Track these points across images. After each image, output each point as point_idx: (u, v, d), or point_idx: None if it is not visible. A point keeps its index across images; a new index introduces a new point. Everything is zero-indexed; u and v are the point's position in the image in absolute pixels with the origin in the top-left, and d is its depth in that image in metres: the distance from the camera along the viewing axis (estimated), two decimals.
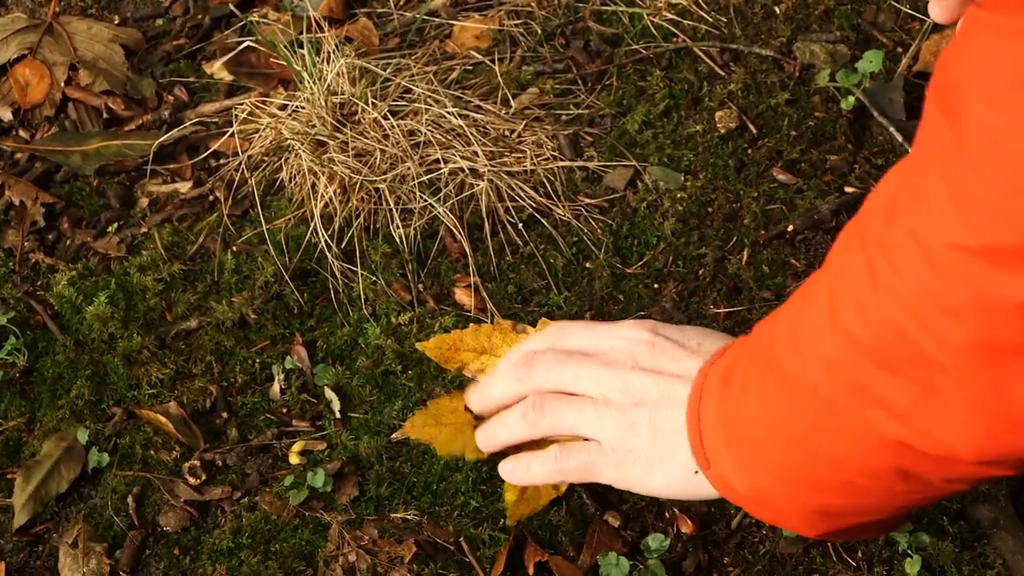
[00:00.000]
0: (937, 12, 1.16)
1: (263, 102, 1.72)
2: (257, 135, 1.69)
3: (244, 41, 1.78)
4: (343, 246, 1.59)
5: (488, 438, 1.37)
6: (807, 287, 1.06)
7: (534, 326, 1.44)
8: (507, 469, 1.35)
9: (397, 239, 1.59)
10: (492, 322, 1.51)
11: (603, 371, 1.27)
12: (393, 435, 1.45)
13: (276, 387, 1.51)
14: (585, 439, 1.28)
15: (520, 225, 1.59)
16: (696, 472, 1.18)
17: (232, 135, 1.69)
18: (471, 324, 1.47)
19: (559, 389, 1.30)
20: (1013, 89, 0.82)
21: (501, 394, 1.36)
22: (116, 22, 1.94)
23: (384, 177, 1.60)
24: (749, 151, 1.65)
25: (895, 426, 0.95)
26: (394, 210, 1.59)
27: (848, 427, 0.99)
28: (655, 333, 1.30)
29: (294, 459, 1.45)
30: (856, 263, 0.97)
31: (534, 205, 1.61)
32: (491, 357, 1.45)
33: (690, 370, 1.23)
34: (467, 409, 1.40)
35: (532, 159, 1.63)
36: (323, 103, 1.64)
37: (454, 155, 1.62)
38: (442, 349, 1.45)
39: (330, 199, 1.60)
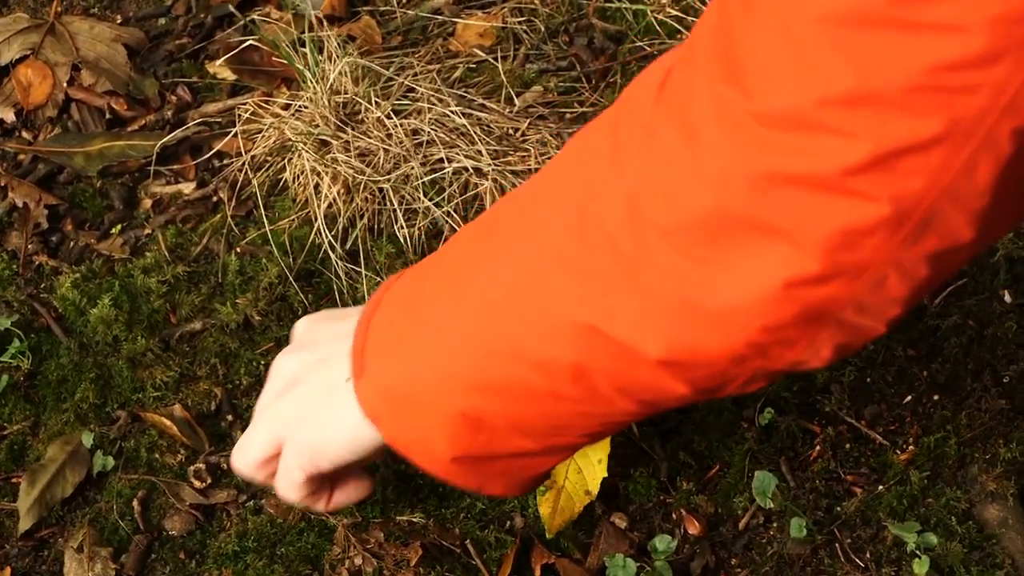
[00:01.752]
0: None
1: (266, 102, 1.72)
2: (260, 135, 1.68)
3: (246, 40, 1.77)
4: (347, 247, 1.59)
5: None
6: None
7: None
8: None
9: (401, 239, 1.58)
10: None
11: (271, 385, 1.21)
12: None
13: None
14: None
15: None
16: (348, 380, 1.09)
17: (235, 135, 1.68)
18: None
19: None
20: None
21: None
22: (118, 22, 1.94)
23: (388, 177, 1.59)
24: None
25: (590, 308, 0.93)
26: (398, 210, 1.59)
27: (543, 305, 0.96)
28: (310, 320, 1.24)
29: None
30: (603, 142, 0.95)
31: None
32: None
33: (345, 331, 1.13)
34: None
35: (536, 158, 1.63)
36: (326, 102, 1.64)
37: (458, 154, 1.61)
38: None
39: (334, 199, 1.60)
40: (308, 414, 1.15)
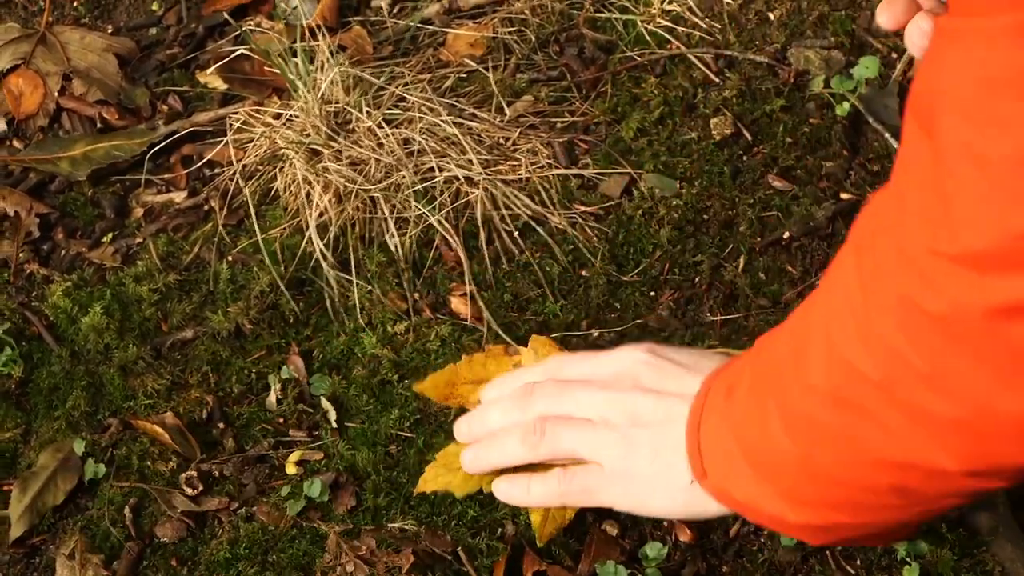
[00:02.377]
0: (884, 18, 1.16)
1: (257, 111, 1.72)
2: (252, 144, 1.69)
3: (238, 50, 1.78)
4: (338, 255, 1.59)
5: (476, 459, 1.34)
6: (806, 306, 1.06)
7: (526, 343, 1.43)
8: (503, 489, 1.32)
9: (392, 248, 1.58)
10: (487, 331, 1.51)
11: (602, 394, 1.27)
12: (415, 490, 1.41)
13: (272, 397, 1.51)
14: (585, 462, 1.28)
15: (516, 233, 1.59)
16: (693, 483, 1.18)
17: (227, 144, 1.69)
18: (463, 356, 1.45)
19: (559, 415, 1.29)
20: (978, 96, 0.82)
21: (498, 424, 1.34)
22: (110, 31, 1.94)
23: (379, 186, 1.60)
24: (744, 158, 1.65)
25: (887, 445, 0.96)
26: (389, 219, 1.59)
27: (845, 448, 1.00)
28: (653, 354, 1.28)
29: (291, 469, 1.45)
30: (850, 279, 0.97)
31: (529, 213, 1.60)
32: None
33: (690, 388, 1.22)
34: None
35: (527, 167, 1.63)
36: (317, 112, 1.64)
37: (449, 163, 1.62)
38: (439, 387, 1.43)
39: (325, 208, 1.60)
40: (631, 468, 1.24)
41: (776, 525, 1.14)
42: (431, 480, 1.38)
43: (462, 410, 1.41)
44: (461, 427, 1.37)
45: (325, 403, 1.49)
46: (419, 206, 1.59)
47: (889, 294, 0.92)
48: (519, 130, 1.68)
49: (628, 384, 1.26)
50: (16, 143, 1.81)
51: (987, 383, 0.87)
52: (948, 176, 0.85)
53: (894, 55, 1.73)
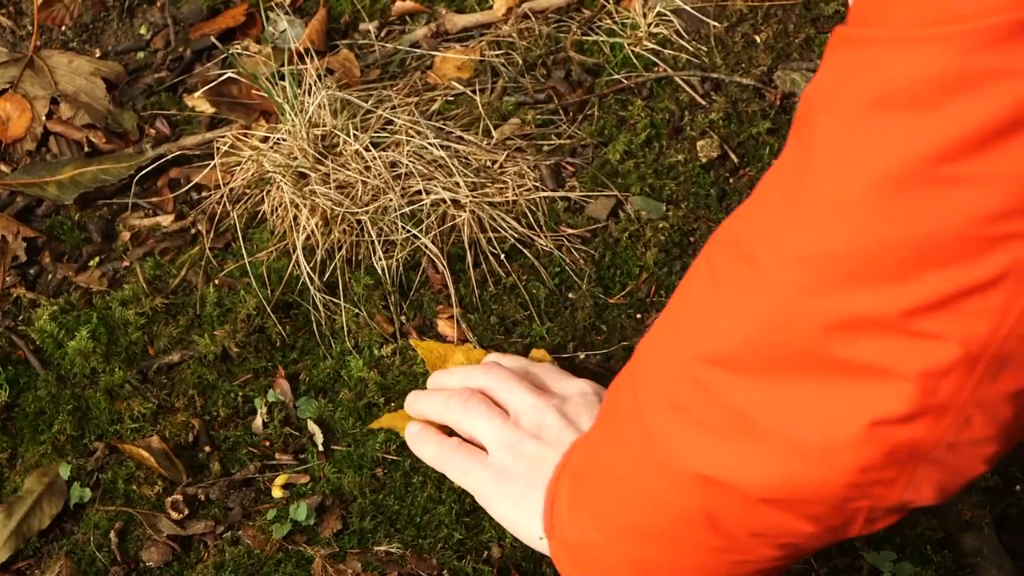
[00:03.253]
0: None
1: (245, 135, 1.72)
2: (239, 167, 1.69)
3: (225, 73, 1.78)
4: (325, 278, 1.59)
5: (411, 404, 1.44)
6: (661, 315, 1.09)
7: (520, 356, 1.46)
8: (411, 432, 1.41)
9: (379, 271, 1.58)
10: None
11: (532, 398, 1.34)
12: (371, 425, 1.48)
13: (259, 420, 1.51)
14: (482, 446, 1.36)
15: (502, 256, 1.59)
16: (540, 533, 1.25)
17: (214, 168, 1.69)
18: (466, 343, 1.51)
19: (488, 395, 1.38)
20: (849, 93, 0.83)
21: (446, 383, 1.45)
22: (97, 55, 1.94)
23: (366, 209, 1.60)
24: (731, 180, 1.66)
25: (702, 456, 0.96)
26: (376, 242, 1.59)
27: (663, 460, 1.00)
28: (597, 395, 1.36)
29: (277, 492, 1.45)
30: (702, 279, 0.99)
31: (516, 236, 1.61)
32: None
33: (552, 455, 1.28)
34: None
35: (514, 190, 1.63)
36: (305, 135, 1.64)
37: (436, 186, 1.62)
38: (433, 354, 1.50)
39: (312, 231, 1.60)
40: (507, 472, 1.31)
41: (602, 572, 1.16)
42: (387, 420, 1.46)
43: None
44: (412, 401, 1.46)
45: (311, 426, 1.49)
46: (406, 229, 1.59)
47: (734, 300, 0.93)
48: (506, 153, 1.68)
49: (555, 403, 1.33)
50: (3, 167, 1.81)
51: (807, 398, 0.88)
52: (808, 172, 0.86)
53: None
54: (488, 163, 1.67)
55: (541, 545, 1.25)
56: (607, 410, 1.15)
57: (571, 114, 1.74)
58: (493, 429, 1.34)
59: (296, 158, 1.63)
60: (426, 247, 1.59)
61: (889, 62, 0.80)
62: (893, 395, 0.84)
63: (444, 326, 1.55)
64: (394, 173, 1.63)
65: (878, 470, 0.89)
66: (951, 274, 0.80)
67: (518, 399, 1.35)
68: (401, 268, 1.60)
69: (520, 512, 1.27)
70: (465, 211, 1.60)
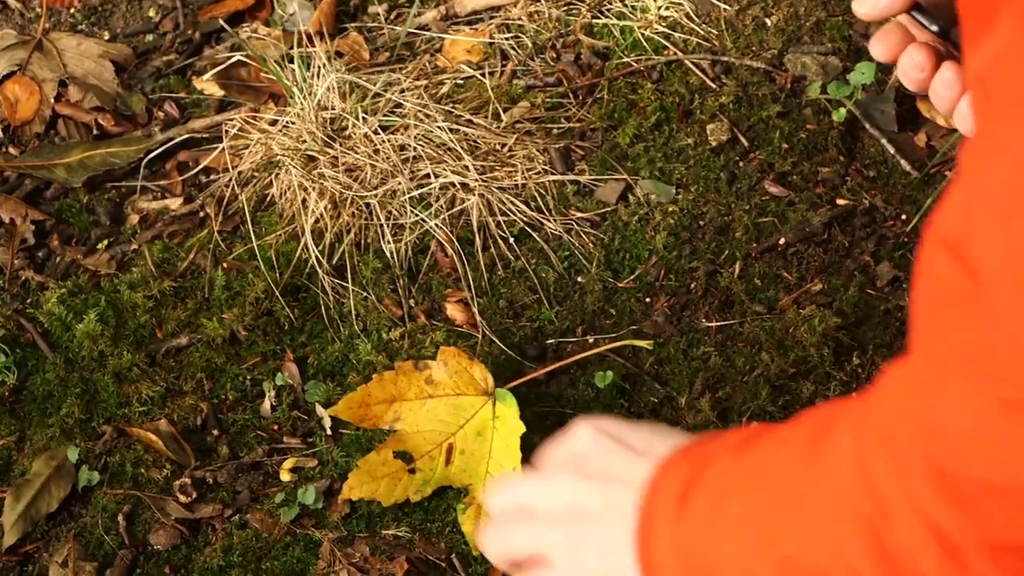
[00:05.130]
0: (878, 50, 1.13)
1: (253, 118, 1.72)
2: (248, 151, 1.68)
3: (234, 56, 1.78)
4: (334, 262, 1.59)
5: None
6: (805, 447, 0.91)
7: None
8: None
9: (388, 254, 1.58)
10: (482, 337, 1.51)
11: (544, 487, 1.12)
12: (340, 498, 1.43)
13: (267, 404, 1.51)
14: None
15: (511, 239, 1.59)
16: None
17: (222, 151, 1.68)
18: (374, 375, 1.46)
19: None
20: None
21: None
22: (106, 38, 1.94)
23: (375, 192, 1.59)
24: (740, 164, 1.65)
25: None
26: (385, 225, 1.59)
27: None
28: (598, 431, 1.19)
29: (285, 476, 1.45)
30: (845, 468, 0.84)
31: (525, 219, 1.60)
32: (402, 403, 1.45)
33: (637, 475, 1.05)
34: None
35: (523, 173, 1.63)
36: (313, 118, 1.64)
37: (445, 170, 1.61)
38: (353, 409, 1.45)
39: (321, 214, 1.60)
40: (578, 566, 1.08)
41: None
42: (356, 488, 1.41)
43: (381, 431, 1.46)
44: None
45: (320, 410, 1.49)
46: (415, 212, 1.59)
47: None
48: (515, 136, 1.67)
49: (571, 470, 1.11)
50: (12, 149, 1.80)
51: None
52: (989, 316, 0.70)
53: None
54: (497, 146, 1.67)
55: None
56: (724, 505, 0.94)
57: (581, 97, 1.74)
58: (533, 535, 1.12)
59: (305, 141, 1.63)
60: (435, 231, 1.58)
61: None
62: None
63: (453, 310, 1.55)
64: (403, 156, 1.63)
65: None
66: None
67: (533, 495, 1.14)
68: (410, 251, 1.59)
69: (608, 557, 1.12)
70: (474, 195, 1.60)
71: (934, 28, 1.04)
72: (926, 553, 0.75)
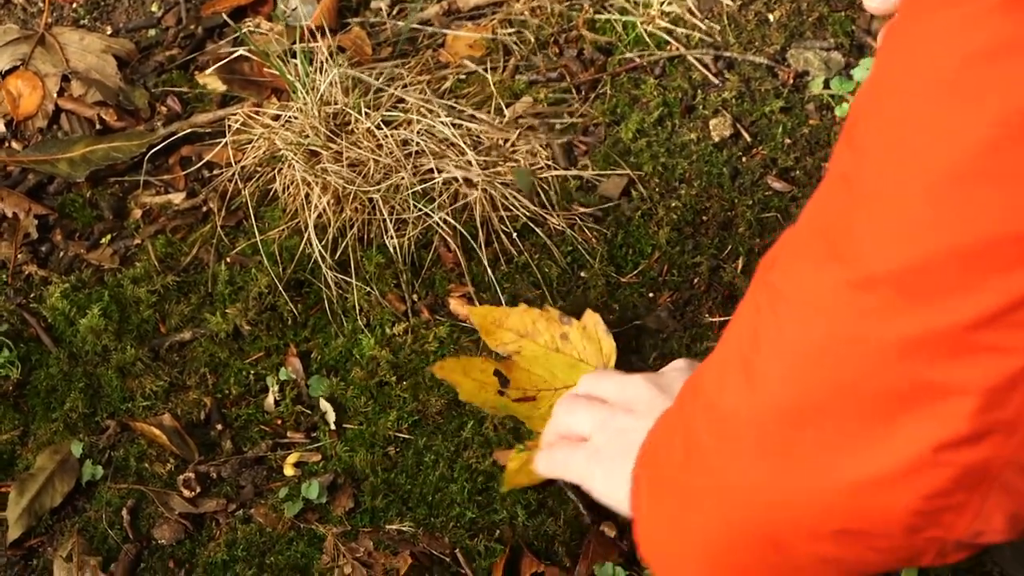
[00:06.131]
0: (874, 4, 1.14)
1: (256, 112, 1.72)
2: (250, 145, 1.68)
3: (237, 51, 1.78)
4: (337, 256, 1.59)
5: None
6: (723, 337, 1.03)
7: (579, 318, 1.49)
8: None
9: (391, 249, 1.58)
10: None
11: (621, 376, 1.36)
12: (429, 368, 1.50)
13: (270, 398, 1.51)
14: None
15: (514, 234, 1.59)
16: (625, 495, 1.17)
17: (225, 145, 1.68)
18: (520, 304, 1.52)
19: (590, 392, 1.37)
20: (958, 71, 0.76)
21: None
22: (108, 33, 1.94)
23: (378, 187, 1.59)
24: (743, 159, 1.65)
25: (762, 484, 0.92)
26: (388, 220, 1.59)
27: (726, 485, 0.96)
28: (690, 368, 1.34)
29: (289, 471, 1.45)
30: (750, 315, 0.95)
31: (528, 214, 1.60)
32: (530, 342, 1.49)
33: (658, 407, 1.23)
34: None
35: (526, 168, 1.63)
36: (316, 113, 1.64)
37: (448, 164, 1.61)
38: (487, 320, 1.51)
39: (324, 209, 1.60)
40: (597, 469, 1.28)
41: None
42: (447, 370, 1.48)
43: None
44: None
45: (323, 404, 1.49)
46: (418, 207, 1.59)
47: (779, 333, 0.88)
48: (518, 131, 1.68)
49: (648, 376, 1.34)
50: (15, 144, 1.81)
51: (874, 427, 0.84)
52: (860, 184, 0.80)
53: None
54: (500, 141, 1.67)
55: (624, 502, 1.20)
56: (675, 431, 1.09)
57: (583, 92, 1.74)
58: (590, 415, 1.31)
59: (308, 136, 1.63)
60: (438, 225, 1.58)
61: (978, 27, 0.75)
62: (957, 415, 0.79)
63: (456, 304, 1.55)
64: (406, 151, 1.63)
65: (945, 496, 0.83)
66: (1015, 279, 0.75)
67: (610, 383, 1.34)
68: (413, 246, 1.59)
69: (611, 485, 1.23)
70: (477, 190, 1.60)
71: None
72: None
